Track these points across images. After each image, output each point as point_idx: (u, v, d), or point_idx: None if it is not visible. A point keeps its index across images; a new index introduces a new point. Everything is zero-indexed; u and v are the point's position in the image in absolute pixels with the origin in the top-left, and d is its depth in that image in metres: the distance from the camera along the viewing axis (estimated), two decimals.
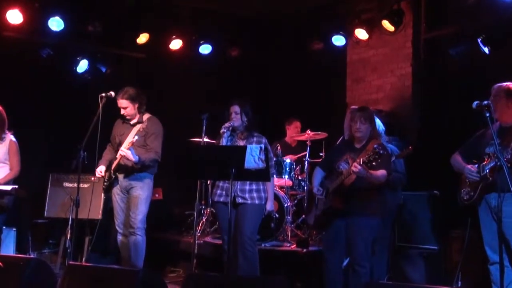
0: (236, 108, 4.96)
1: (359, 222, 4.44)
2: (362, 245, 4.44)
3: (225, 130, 4.91)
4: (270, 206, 5.02)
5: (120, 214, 5.39)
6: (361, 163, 4.24)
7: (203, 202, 6.88)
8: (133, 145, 5.10)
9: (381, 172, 4.39)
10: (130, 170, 5.28)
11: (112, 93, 5.17)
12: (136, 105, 5.37)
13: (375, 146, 4.22)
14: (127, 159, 5.16)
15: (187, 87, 8.05)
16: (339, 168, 4.54)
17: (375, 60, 7.56)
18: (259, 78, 8.44)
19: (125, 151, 5.08)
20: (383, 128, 5.22)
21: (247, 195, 4.87)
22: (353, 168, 4.28)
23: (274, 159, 5.75)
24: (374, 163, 4.22)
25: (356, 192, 4.44)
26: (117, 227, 5.41)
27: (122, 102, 5.32)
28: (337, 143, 5.27)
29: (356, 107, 4.95)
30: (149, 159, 5.25)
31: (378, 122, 5.10)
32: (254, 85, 8.33)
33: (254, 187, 4.89)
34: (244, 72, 8.41)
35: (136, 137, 5.10)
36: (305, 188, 6.68)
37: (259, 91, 8.32)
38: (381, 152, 4.16)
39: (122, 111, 5.36)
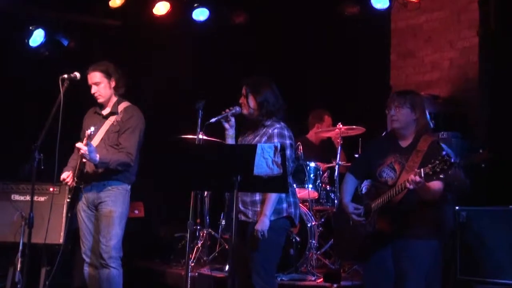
0: (243, 90, 4.80)
1: (411, 247, 4.39)
2: (416, 276, 4.39)
3: (219, 118, 4.72)
4: (261, 224, 4.48)
5: (88, 238, 5.35)
6: (422, 175, 4.12)
7: (198, 220, 6.87)
8: (89, 139, 4.99)
9: (438, 185, 4.31)
10: (98, 177, 5.24)
11: (77, 74, 5.13)
12: (113, 83, 5.33)
13: (444, 153, 4.09)
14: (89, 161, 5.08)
15: (177, 65, 8.04)
16: (381, 176, 4.48)
17: (429, 28, 7.55)
18: (271, 52, 8.41)
19: (82, 148, 4.97)
20: None
21: (249, 210, 4.64)
22: (409, 182, 4.16)
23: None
24: (442, 175, 4.08)
25: (407, 208, 4.38)
26: (83, 255, 5.38)
27: (94, 76, 5.27)
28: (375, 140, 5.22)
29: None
30: (116, 161, 5.17)
31: None
32: (265, 63, 8.30)
33: (257, 197, 4.63)
34: (252, 45, 8.38)
35: (92, 129, 4.99)
36: (336, 201, 6.66)
37: (272, 70, 8.27)
38: (452, 160, 4.01)
39: (93, 90, 5.29)
